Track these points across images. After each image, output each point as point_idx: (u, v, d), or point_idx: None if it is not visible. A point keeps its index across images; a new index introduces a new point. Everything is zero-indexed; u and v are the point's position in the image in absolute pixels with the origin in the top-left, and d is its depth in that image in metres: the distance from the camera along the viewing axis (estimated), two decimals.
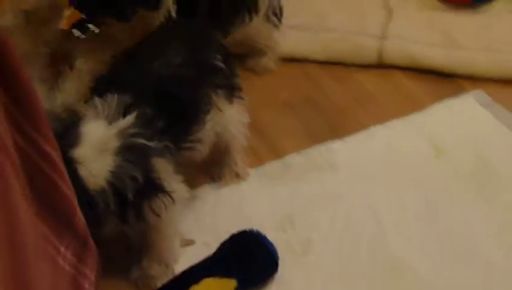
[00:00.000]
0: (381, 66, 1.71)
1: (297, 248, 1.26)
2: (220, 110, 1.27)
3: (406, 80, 1.67)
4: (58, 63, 1.50)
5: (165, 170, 1.11)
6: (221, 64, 1.28)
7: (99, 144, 1.02)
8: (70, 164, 0.98)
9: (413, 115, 1.55)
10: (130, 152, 1.04)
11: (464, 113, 1.55)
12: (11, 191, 0.71)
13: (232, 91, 1.30)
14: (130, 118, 1.06)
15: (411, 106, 1.58)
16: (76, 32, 1.61)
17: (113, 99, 1.08)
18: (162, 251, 1.20)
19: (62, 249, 0.93)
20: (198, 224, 1.31)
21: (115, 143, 1.03)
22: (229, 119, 1.31)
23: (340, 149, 1.47)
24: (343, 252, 1.26)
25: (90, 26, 1.69)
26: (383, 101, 1.61)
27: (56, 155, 0.90)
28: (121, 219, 1.06)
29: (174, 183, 1.13)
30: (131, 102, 1.08)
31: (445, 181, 1.39)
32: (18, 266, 0.71)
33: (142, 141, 1.05)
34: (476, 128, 1.52)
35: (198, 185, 1.39)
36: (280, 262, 1.21)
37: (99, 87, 1.15)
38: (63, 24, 1.64)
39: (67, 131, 1.02)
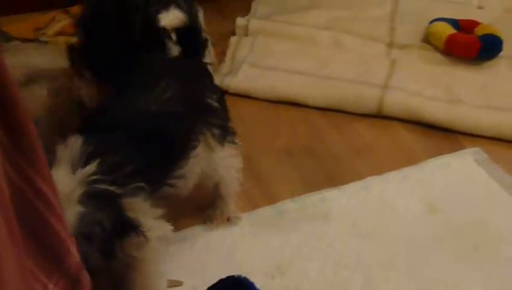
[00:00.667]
0: (381, 116, 1.72)
1: None
2: (211, 150, 1.27)
3: (405, 132, 1.68)
4: None
5: (138, 208, 1.10)
6: (216, 104, 1.28)
7: (63, 194, 1.00)
8: None
9: (410, 169, 1.55)
10: (93, 199, 1.04)
11: (460, 170, 1.55)
12: None
13: (225, 133, 1.30)
14: (91, 167, 1.06)
15: (408, 159, 1.58)
16: None
17: (76, 144, 1.09)
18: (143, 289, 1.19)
19: (51, 286, 0.92)
20: (186, 266, 1.30)
21: (78, 191, 1.03)
22: (219, 161, 1.30)
23: (335, 198, 1.47)
24: None
25: None
26: (380, 152, 1.62)
27: (53, 195, 0.89)
28: (102, 256, 1.05)
29: (151, 221, 1.12)
30: (92, 149, 1.08)
31: (436, 238, 1.38)
32: None
33: (104, 186, 1.05)
34: (471, 186, 1.51)
35: (189, 226, 1.38)
36: None
37: (85, 126, 1.16)
38: None
39: None
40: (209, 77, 1.35)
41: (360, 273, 1.30)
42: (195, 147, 1.23)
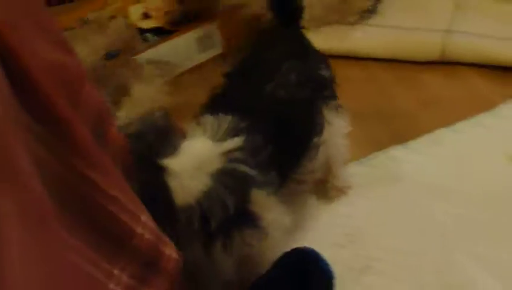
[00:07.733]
0: (447, 63, 1.61)
1: (356, 266, 1.18)
2: (329, 124, 1.19)
3: (474, 78, 1.56)
4: None
5: (261, 204, 1.01)
6: (328, 73, 1.20)
7: (198, 161, 0.94)
8: (160, 172, 0.92)
9: (484, 116, 1.44)
10: (229, 177, 0.95)
11: None
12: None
13: (337, 100, 1.22)
14: (237, 141, 0.97)
15: (481, 106, 1.47)
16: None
17: (225, 120, 1.00)
18: None
19: (116, 271, 0.88)
20: None
21: (215, 164, 0.95)
22: (335, 131, 1.22)
23: (404, 157, 1.38)
24: (407, 272, 1.16)
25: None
26: (449, 102, 1.51)
27: (101, 178, 0.84)
28: (205, 246, 0.98)
29: (272, 215, 1.03)
30: (243, 126, 1.00)
31: None
32: None
33: (244, 168, 0.96)
34: None
35: None
36: (338, 281, 1.13)
37: (213, 105, 1.09)
38: None
39: (163, 138, 0.95)
40: (311, 43, 1.25)
41: (436, 236, 1.21)
42: (321, 132, 1.15)
